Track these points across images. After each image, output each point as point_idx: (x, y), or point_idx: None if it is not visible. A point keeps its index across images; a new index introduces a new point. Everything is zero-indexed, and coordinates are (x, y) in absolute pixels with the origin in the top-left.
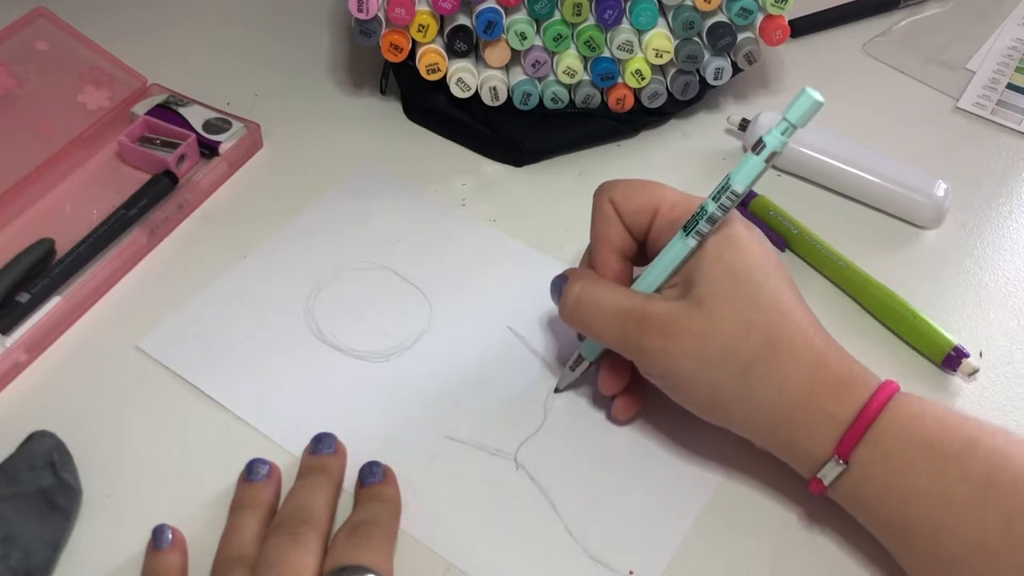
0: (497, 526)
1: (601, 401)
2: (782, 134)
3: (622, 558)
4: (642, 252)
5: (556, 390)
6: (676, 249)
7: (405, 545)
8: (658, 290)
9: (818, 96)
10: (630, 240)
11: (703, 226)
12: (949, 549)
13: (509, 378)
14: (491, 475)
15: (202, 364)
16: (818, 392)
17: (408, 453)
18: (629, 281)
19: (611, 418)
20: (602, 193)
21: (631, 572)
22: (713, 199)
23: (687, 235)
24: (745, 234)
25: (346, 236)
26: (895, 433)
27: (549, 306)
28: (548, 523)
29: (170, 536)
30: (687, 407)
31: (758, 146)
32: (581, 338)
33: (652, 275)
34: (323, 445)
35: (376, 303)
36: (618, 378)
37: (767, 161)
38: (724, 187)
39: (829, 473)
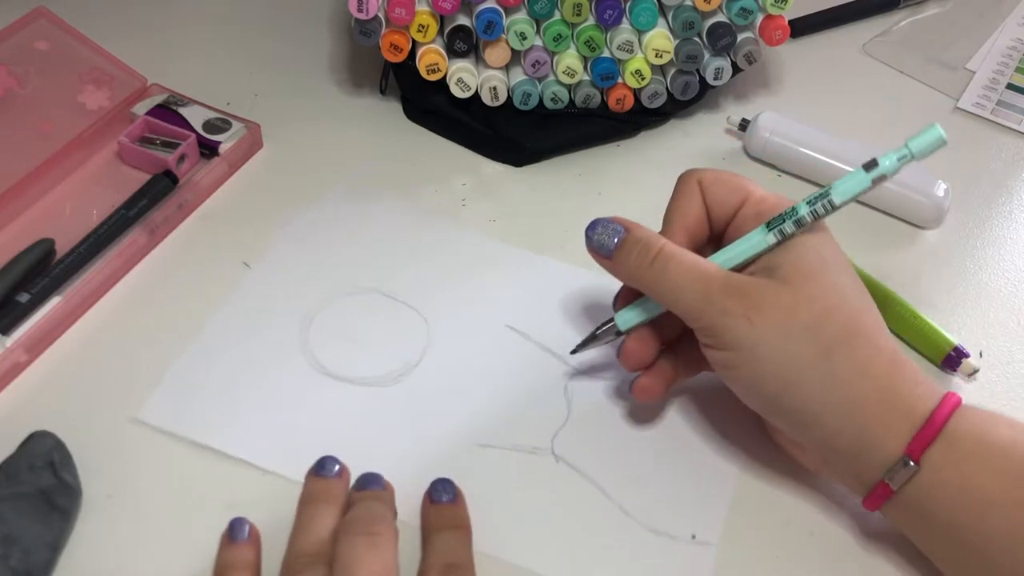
0: (556, 521)
1: (621, 384)
2: (899, 160)
3: (681, 523)
4: (708, 247)
5: (572, 352)
6: (755, 240)
7: (478, 563)
8: None
9: (943, 134)
10: (705, 224)
11: (788, 226)
12: None
13: (523, 375)
14: (534, 473)
15: (210, 423)
16: (896, 385)
17: (445, 468)
18: None
19: (630, 397)
20: (690, 174)
21: (693, 536)
22: (808, 203)
23: (769, 231)
24: (828, 235)
25: (324, 265)
26: (969, 434)
27: (542, 299)
28: (602, 507)
29: (247, 529)
30: (751, 389)
31: (870, 165)
32: (622, 301)
33: (725, 257)
34: (371, 483)
35: (370, 327)
36: (644, 352)
37: (874, 181)
38: (823, 195)
39: (898, 477)
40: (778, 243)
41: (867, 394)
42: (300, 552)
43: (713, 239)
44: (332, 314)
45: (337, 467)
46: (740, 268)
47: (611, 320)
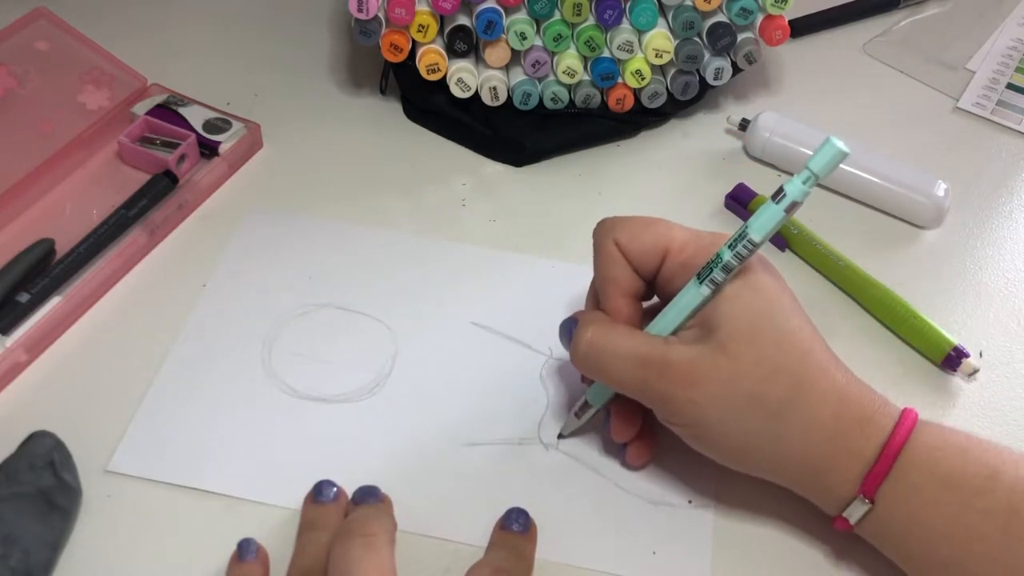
0: (556, 506)
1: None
2: (804, 183)
3: (677, 493)
4: (649, 290)
5: (560, 436)
6: (689, 296)
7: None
8: (672, 334)
9: (842, 146)
10: (638, 281)
11: (718, 275)
12: None
13: (496, 369)
14: (526, 463)
15: (188, 465)
16: (843, 430)
17: (437, 473)
18: (640, 322)
19: (625, 465)
20: (604, 234)
21: (690, 501)
22: (729, 247)
23: (701, 283)
24: (762, 271)
25: (269, 287)
26: (918, 468)
27: (501, 292)
28: (600, 487)
29: (255, 548)
30: (711, 455)
31: (778, 195)
32: (585, 381)
33: (665, 320)
34: (368, 496)
35: (333, 343)
36: (630, 424)
37: (787, 211)
38: (741, 235)
39: (855, 512)
40: (712, 293)
41: (816, 448)
42: (299, 569)
43: (648, 284)
44: (290, 336)
45: (334, 490)
46: (680, 326)
47: (584, 398)
